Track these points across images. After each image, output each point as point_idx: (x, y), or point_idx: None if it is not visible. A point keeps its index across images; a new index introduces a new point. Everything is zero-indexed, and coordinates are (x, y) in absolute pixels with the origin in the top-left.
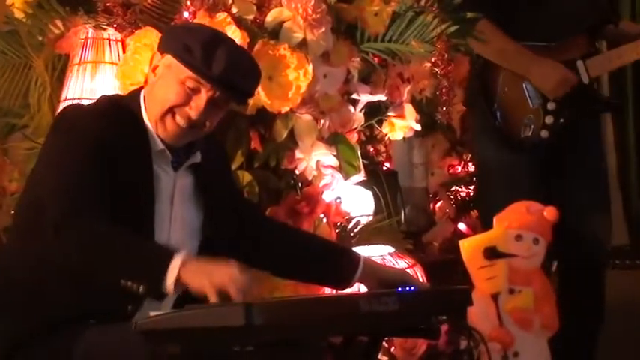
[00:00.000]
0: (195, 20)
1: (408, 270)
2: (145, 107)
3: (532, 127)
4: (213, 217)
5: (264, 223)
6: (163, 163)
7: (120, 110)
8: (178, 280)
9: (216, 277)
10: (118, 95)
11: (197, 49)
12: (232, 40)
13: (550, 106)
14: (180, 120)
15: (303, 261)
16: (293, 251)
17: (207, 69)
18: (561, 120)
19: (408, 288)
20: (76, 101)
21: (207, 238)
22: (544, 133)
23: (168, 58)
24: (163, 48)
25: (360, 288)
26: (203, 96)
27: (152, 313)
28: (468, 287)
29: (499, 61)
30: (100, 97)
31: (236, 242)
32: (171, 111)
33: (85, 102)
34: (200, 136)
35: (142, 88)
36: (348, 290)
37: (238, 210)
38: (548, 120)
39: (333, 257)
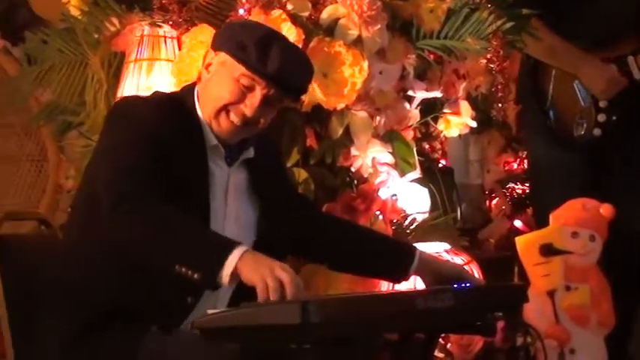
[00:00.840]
0: (251, 17)
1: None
2: (199, 103)
3: (584, 125)
4: (268, 212)
5: (320, 218)
6: (217, 159)
7: (174, 105)
8: (234, 273)
9: (270, 277)
10: (172, 92)
11: (252, 46)
12: (286, 38)
13: (602, 104)
14: (234, 117)
15: (358, 254)
16: (348, 245)
17: (262, 67)
18: (614, 117)
19: (463, 284)
20: None
21: (262, 234)
22: (597, 132)
23: (222, 56)
24: (217, 45)
25: (416, 282)
26: (257, 94)
27: (209, 312)
28: (523, 284)
29: (549, 59)
30: (154, 92)
31: (292, 236)
32: (225, 109)
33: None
34: (254, 132)
35: (195, 84)
36: (404, 284)
37: (293, 204)
38: (601, 118)
39: (389, 250)
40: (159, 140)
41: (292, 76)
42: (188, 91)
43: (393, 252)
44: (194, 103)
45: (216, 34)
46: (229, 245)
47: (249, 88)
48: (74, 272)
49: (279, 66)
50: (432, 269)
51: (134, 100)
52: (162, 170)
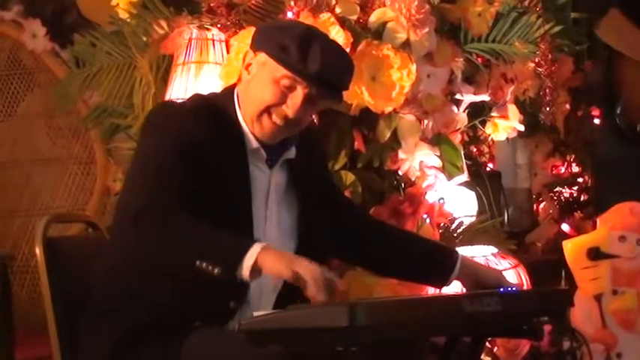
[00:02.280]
0: (299, 20)
1: (510, 271)
2: (239, 105)
3: None
4: (308, 211)
5: (363, 220)
6: (258, 161)
7: (213, 109)
8: (255, 267)
9: (295, 266)
10: (211, 94)
11: (292, 47)
12: (325, 35)
13: None
14: (276, 118)
15: (401, 259)
16: (391, 249)
17: (303, 67)
18: None
19: (510, 289)
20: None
21: (302, 236)
22: None
23: (263, 56)
24: (257, 46)
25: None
26: (299, 93)
27: (255, 314)
28: (569, 288)
29: (627, 50)
30: (192, 95)
31: (333, 238)
32: (267, 110)
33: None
34: (295, 132)
35: (234, 85)
36: (446, 289)
37: (335, 206)
38: None
39: (432, 256)
40: (195, 148)
41: (334, 75)
42: (228, 93)
43: (436, 257)
44: (234, 105)
45: (255, 33)
46: (248, 241)
47: (291, 88)
48: (120, 278)
49: (321, 65)
50: (472, 274)
51: (171, 107)
52: (194, 178)
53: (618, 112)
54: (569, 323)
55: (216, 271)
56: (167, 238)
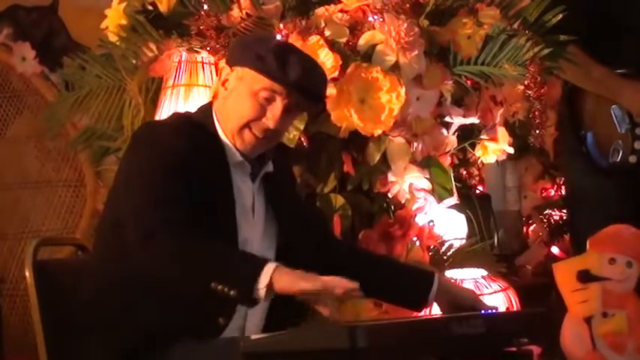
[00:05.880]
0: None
1: (499, 293)
2: (218, 121)
3: (620, 152)
4: (285, 224)
5: (336, 244)
6: (243, 175)
7: (194, 125)
8: (270, 286)
9: (314, 282)
10: (188, 112)
11: (270, 56)
12: (298, 47)
13: (639, 131)
14: (257, 132)
15: (376, 283)
16: (366, 271)
17: (283, 75)
18: None
19: (489, 310)
20: None
21: (281, 250)
22: (632, 159)
23: (240, 71)
24: (233, 61)
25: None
26: (278, 104)
27: (254, 336)
28: (546, 309)
29: (587, 85)
30: (172, 114)
31: (309, 256)
32: (247, 125)
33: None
34: (275, 143)
35: (210, 103)
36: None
37: (306, 218)
38: (637, 145)
39: (408, 277)
40: (184, 165)
41: (313, 83)
42: (205, 110)
43: (412, 279)
44: (213, 121)
45: (231, 50)
46: (261, 260)
47: (270, 100)
48: (105, 298)
49: (301, 73)
50: (449, 296)
51: (157, 125)
52: (189, 195)
53: (587, 143)
54: (557, 345)
55: (232, 293)
56: (182, 260)
